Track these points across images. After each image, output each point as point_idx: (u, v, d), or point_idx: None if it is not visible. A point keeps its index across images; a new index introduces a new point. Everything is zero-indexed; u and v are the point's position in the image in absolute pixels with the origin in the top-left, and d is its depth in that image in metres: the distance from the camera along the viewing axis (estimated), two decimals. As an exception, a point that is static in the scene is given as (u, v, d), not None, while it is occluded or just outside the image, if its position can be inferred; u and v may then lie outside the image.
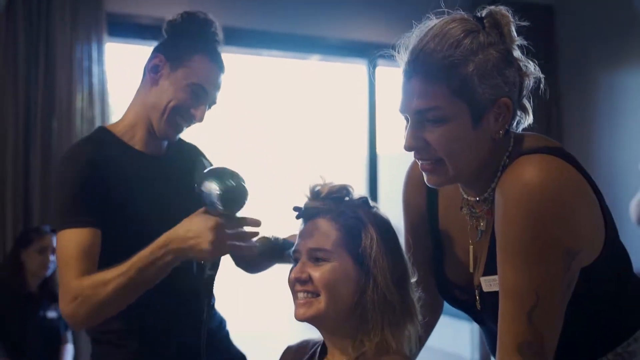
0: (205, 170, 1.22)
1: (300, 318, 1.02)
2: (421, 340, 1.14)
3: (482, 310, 1.04)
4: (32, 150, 3.18)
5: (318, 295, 1.00)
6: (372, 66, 1.07)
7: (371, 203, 1.07)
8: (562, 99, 4.23)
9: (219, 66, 1.41)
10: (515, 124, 1.00)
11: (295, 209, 1.08)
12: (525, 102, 0.99)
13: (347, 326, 1.02)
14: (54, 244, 2.68)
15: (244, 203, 1.16)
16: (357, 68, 4.54)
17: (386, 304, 1.00)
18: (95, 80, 3.32)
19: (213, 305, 1.48)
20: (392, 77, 1.08)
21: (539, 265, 0.88)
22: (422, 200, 1.14)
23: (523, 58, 0.97)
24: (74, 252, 1.23)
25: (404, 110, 0.96)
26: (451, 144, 0.93)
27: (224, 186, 1.13)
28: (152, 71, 1.38)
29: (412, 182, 1.16)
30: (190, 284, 1.30)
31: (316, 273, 1.00)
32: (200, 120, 1.40)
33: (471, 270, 1.05)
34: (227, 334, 1.57)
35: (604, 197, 0.98)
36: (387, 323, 1.00)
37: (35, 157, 3.18)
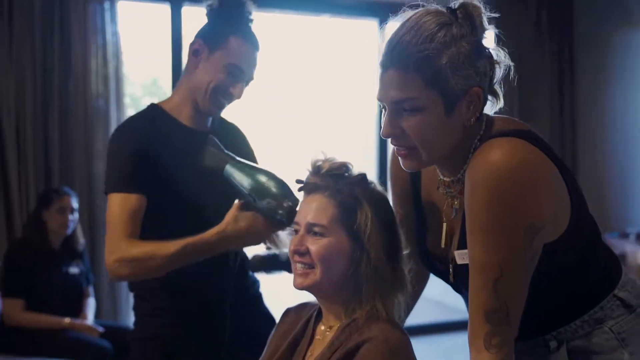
0: (268, 176, 1.32)
1: (297, 287, 1.10)
2: (409, 307, 1.23)
3: (456, 281, 1.11)
4: (50, 112, 3.26)
5: (314, 267, 1.07)
6: (383, 25, 1.09)
7: (369, 179, 1.12)
8: (577, 61, 4.21)
9: (254, 45, 1.48)
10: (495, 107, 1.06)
11: (298, 181, 1.14)
12: (497, 88, 1.04)
13: (341, 295, 1.10)
14: (73, 205, 2.79)
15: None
16: (368, 26, 4.51)
17: (377, 276, 1.07)
18: (109, 39, 3.37)
19: (241, 262, 1.58)
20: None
21: (502, 241, 0.94)
22: (406, 174, 1.19)
23: (494, 47, 1.02)
24: (123, 214, 1.36)
25: (381, 99, 1.01)
26: (425, 132, 0.98)
27: (289, 203, 1.28)
28: (194, 55, 1.47)
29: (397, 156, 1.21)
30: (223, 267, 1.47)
31: (313, 246, 1.07)
32: (239, 97, 1.48)
33: (442, 246, 1.12)
34: (259, 294, 1.68)
35: (572, 176, 1.03)
36: (378, 293, 1.07)
37: (54, 118, 3.27)
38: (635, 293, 1.09)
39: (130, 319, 3.45)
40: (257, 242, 1.36)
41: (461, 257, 1.06)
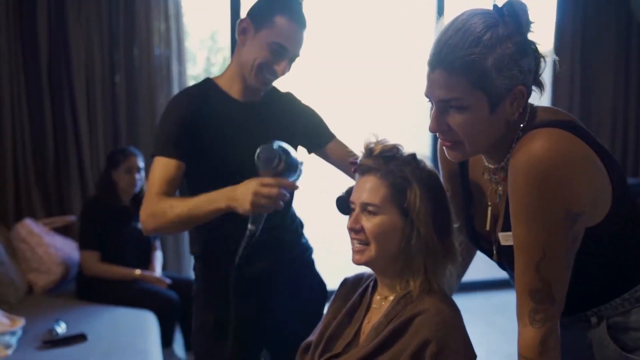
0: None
1: (355, 262, 1.19)
2: (459, 276, 1.32)
3: (500, 260, 1.19)
4: (117, 77, 3.41)
5: (368, 244, 1.16)
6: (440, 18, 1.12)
7: (419, 159, 1.18)
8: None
9: (299, 23, 1.53)
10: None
11: (352, 163, 1.21)
12: (542, 79, 1.08)
13: (394, 268, 1.18)
14: (139, 164, 2.95)
15: (278, 166, 1.36)
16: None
17: (428, 250, 1.14)
18: (170, 5, 3.45)
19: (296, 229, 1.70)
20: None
21: (543, 226, 1.00)
22: None
23: (539, 41, 1.05)
24: (160, 176, 1.48)
25: (428, 96, 1.07)
26: (470, 129, 1.04)
27: (264, 151, 1.37)
28: (242, 33, 1.55)
29: None
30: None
31: (367, 224, 1.15)
32: (283, 74, 1.55)
33: (487, 228, 1.19)
34: (311, 261, 1.78)
35: (615, 163, 1.07)
36: (430, 266, 1.15)
37: (121, 82, 3.42)
38: None
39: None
40: (248, 204, 1.36)
41: (505, 238, 1.13)
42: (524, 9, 1.02)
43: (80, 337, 2.29)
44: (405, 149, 1.19)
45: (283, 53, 1.53)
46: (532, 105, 1.10)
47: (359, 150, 1.22)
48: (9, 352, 2.15)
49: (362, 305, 1.25)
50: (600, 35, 4.14)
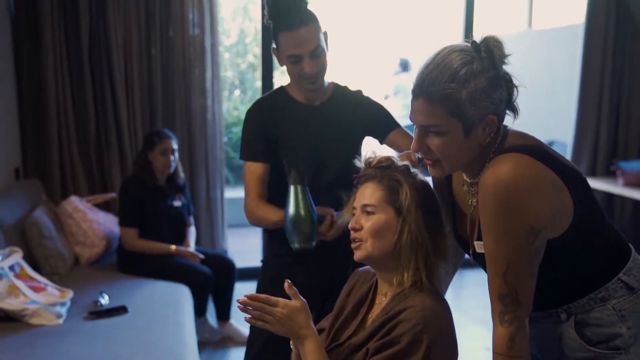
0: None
1: (356, 259, 1.33)
2: (449, 275, 1.47)
3: (477, 263, 1.34)
4: (153, 59, 3.56)
5: (366, 241, 1.30)
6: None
7: (412, 170, 1.32)
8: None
9: (296, 27, 1.67)
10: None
11: (354, 177, 1.36)
12: (516, 105, 1.22)
13: (390, 263, 1.30)
14: (173, 146, 3.11)
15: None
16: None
17: (418, 246, 1.27)
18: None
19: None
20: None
21: (507, 240, 1.14)
22: None
23: (512, 73, 1.19)
24: (253, 178, 1.81)
25: (412, 120, 1.21)
26: (447, 150, 1.19)
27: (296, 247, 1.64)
28: (278, 60, 1.78)
29: None
30: None
31: (366, 223, 1.30)
32: (312, 71, 1.73)
33: (467, 233, 1.34)
34: None
35: (578, 179, 1.20)
36: (421, 263, 1.27)
37: (156, 59, 3.57)
38: (639, 277, 1.26)
39: (225, 247, 3.88)
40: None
41: (479, 247, 1.29)
42: (498, 45, 1.15)
43: (122, 309, 2.50)
44: (399, 161, 1.34)
45: (299, 59, 1.71)
46: (505, 128, 1.24)
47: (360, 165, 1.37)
48: (60, 321, 2.38)
49: (367, 301, 1.38)
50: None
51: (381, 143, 1.91)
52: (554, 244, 1.19)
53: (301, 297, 1.26)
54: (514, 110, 1.23)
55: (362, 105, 1.90)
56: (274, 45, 1.77)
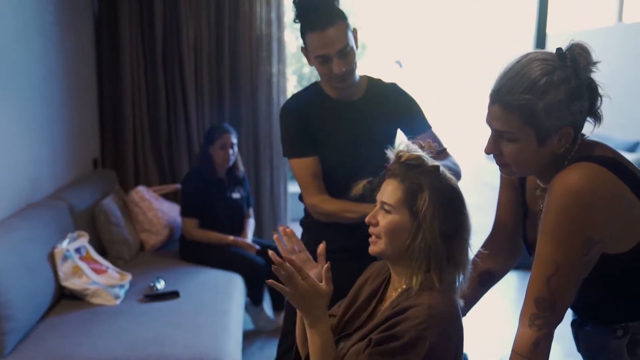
0: None
1: (370, 252, 1.33)
2: (495, 279, 1.52)
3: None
4: (222, 56, 3.70)
5: (381, 237, 1.29)
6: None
7: (441, 170, 1.27)
8: None
9: (323, 27, 1.69)
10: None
11: (383, 167, 1.34)
12: (599, 112, 1.19)
13: (402, 263, 1.30)
14: (232, 141, 3.21)
15: None
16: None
17: (431, 252, 1.24)
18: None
19: None
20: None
21: (562, 245, 1.13)
22: None
23: (598, 82, 1.15)
24: (308, 174, 1.81)
25: (487, 123, 1.22)
26: (518, 157, 1.19)
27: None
28: (307, 59, 1.80)
29: None
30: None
31: (382, 220, 1.29)
32: (340, 71, 1.73)
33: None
34: None
35: None
36: (433, 267, 1.25)
37: (225, 61, 3.71)
38: None
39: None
40: None
41: None
42: (584, 54, 1.13)
43: (174, 294, 2.64)
44: (431, 160, 1.29)
45: (327, 59, 1.72)
46: (583, 137, 1.21)
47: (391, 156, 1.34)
48: (118, 302, 2.55)
49: (379, 294, 1.39)
50: None
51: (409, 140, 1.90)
52: (622, 259, 1.16)
53: (331, 284, 1.28)
54: (597, 118, 1.20)
55: (398, 100, 1.89)
56: (302, 45, 1.79)
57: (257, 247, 3.24)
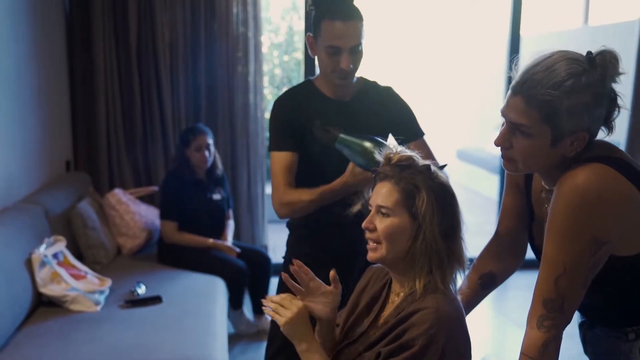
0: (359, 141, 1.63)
1: (369, 260, 1.30)
2: (497, 282, 1.52)
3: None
4: (198, 55, 3.64)
5: (380, 242, 1.27)
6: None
7: (432, 169, 1.26)
8: None
9: (344, 18, 1.66)
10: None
11: (373, 171, 1.33)
12: (613, 123, 1.18)
13: (403, 267, 1.28)
14: (208, 141, 3.15)
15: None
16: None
17: (433, 252, 1.23)
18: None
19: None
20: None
21: (569, 246, 1.13)
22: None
23: (619, 92, 1.14)
24: (280, 167, 1.77)
25: (503, 114, 1.19)
26: (528, 153, 1.17)
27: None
28: (311, 48, 1.77)
29: None
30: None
31: (380, 225, 1.26)
32: (348, 67, 1.71)
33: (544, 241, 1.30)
34: None
35: None
36: (435, 267, 1.24)
37: (201, 60, 3.64)
38: None
39: (265, 242, 3.93)
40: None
41: None
42: (614, 62, 1.11)
43: (157, 299, 2.58)
44: (421, 160, 1.28)
45: (339, 51, 1.69)
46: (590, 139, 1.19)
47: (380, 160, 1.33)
48: (98, 308, 2.48)
49: (380, 299, 1.37)
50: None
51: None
52: (631, 262, 1.16)
53: (338, 285, 1.33)
54: (610, 129, 1.19)
55: (391, 104, 1.87)
56: (309, 33, 1.75)
57: (238, 250, 3.20)
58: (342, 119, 1.79)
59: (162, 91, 3.61)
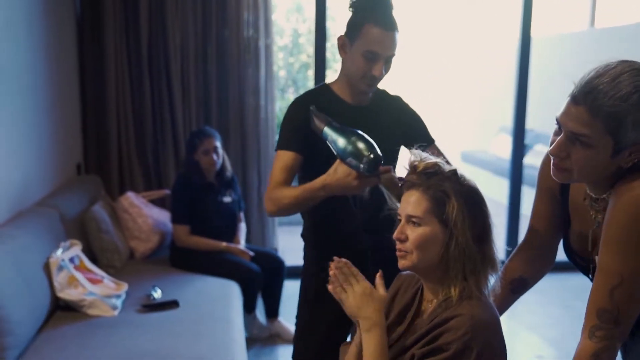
0: (354, 138, 1.54)
1: (400, 268, 1.30)
2: (528, 286, 1.51)
3: (593, 278, 1.29)
4: (209, 59, 3.64)
5: (411, 252, 1.26)
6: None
7: (459, 174, 1.26)
8: None
9: (386, 27, 1.65)
10: None
11: (400, 179, 1.33)
12: None
13: (436, 275, 1.27)
14: (216, 144, 3.13)
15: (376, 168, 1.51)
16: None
17: (466, 257, 1.23)
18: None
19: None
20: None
21: (628, 257, 1.12)
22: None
23: None
24: (279, 166, 1.74)
25: (561, 123, 1.16)
26: (586, 165, 1.15)
27: (370, 156, 1.50)
28: (342, 49, 1.74)
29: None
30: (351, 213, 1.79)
31: (411, 234, 1.25)
32: (380, 75, 1.70)
33: (589, 249, 1.31)
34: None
35: None
36: (469, 273, 1.23)
37: (212, 64, 3.65)
38: None
39: (276, 245, 3.92)
40: (355, 191, 1.57)
41: None
42: None
43: (174, 304, 2.57)
44: (446, 166, 1.27)
45: (376, 58, 1.67)
46: None
47: (404, 168, 1.32)
48: (116, 312, 2.47)
49: (413, 307, 1.36)
50: None
51: None
52: None
53: (386, 290, 1.29)
54: None
55: (404, 113, 1.86)
56: (343, 33, 1.72)
57: (251, 253, 3.19)
58: (358, 122, 1.75)
59: (173, 94, 3.60)
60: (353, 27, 1.68)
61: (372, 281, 1.31)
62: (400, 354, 1.28)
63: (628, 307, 1.14)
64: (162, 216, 3.41)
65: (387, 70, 1.72)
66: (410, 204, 1.26)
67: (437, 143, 1.89)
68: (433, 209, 1.23)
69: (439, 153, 1.80)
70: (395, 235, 1.28)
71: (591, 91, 1.10)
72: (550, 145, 1.20)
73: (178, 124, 3.63)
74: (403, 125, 1.84)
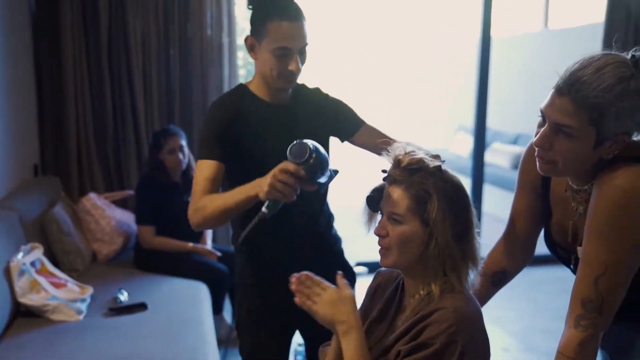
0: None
1: (382, 265, 1.29)
2: (507, 279, 1.53)
3: (575, 269, 1.32)
4: (171, 58, 3.57)
5: (392, 249, 1.25)
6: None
7: (443, 169, 1.24)
8: None
9: (291, 19, 1.57)
10: None
11: (383, 171, 1.29)
12: None
13: (417, 272, 1.27)
14: (181, 143, 3.07)
15: (308, 161, 1.43)
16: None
17: (445, 256, 1.22)
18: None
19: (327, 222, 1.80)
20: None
21: (612, 246, 1.14)
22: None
23: None
24: (202, 177, 1.61)
25: (546, 114, 1.17)
26: (570, 156, 1.17)
27: (296, 145, 1.43)
28: (251, 50, 1.64)
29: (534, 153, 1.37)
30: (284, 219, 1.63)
31: (392, 232, 1.25)
32: (298, 69, 1.62)
33: (569, 240, 1.33)
34: (341, 251, 1.93)
35: None
36: (449, 269, 1.23)
37: (174, 63, 3.57)
38: None
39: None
40: (277, 186, 1.42)
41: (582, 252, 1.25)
42: None
43: (142, 306, 2.50)
44: (432, 161, 1.24)
45: (289, 53, 1.59)
46: None
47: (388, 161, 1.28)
48: (81, 317, 2.38)
49: (394, 303, 1.35)
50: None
51: (342, 141, 1.81)
52: None
53: (350, 290, 1.26)
54: None
55: (325, 104, 1.80)
56: (248, 34, 1.63)
57: (218, 253, 3.14)
58: (281, 122, 1.71)
59: (135, 93, 3.51)
60: (257, 25, 1.59)
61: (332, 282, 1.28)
62: (385, 352, 1.27)
63: (612, 296, 1.16)
64: (126, 217, 3.32)
65: (303, 62, 1.64)
66: (392, 200, 1.24)
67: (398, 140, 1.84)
68: (414, 207, 1.21)
69: (374, 129, 1.78)
70: (376, 231, 1.27)
71: (575, 82, 1.11)
72: (535, 137, 1.21)
73: (140, 123, 3.54)
74: (329, 117, 1.77)
